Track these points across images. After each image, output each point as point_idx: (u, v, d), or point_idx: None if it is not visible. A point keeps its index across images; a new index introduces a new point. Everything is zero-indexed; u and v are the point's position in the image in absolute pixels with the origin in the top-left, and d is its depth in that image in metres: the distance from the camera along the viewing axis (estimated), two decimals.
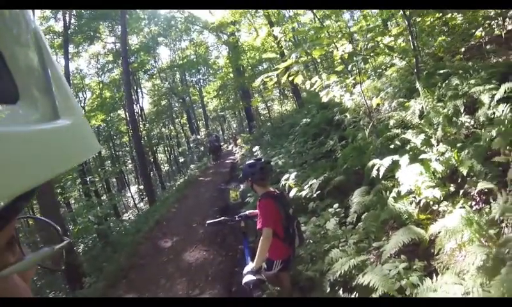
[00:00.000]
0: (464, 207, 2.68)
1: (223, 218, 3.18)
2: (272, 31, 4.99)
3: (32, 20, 0.38)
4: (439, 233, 2.60)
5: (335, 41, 4.30)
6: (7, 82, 0.30)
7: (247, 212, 3.19)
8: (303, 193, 4.69)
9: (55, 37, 17.10)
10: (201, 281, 4.65)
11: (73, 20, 16.50)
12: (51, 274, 7.99)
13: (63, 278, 7.17)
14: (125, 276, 5.43)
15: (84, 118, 0.41)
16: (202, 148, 15.37)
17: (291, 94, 18.84)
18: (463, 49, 5.41)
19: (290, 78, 4.22)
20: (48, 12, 15.97)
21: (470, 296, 1.97)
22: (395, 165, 3.52)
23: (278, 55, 12.69)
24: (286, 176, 5.24)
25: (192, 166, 17.87)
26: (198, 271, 4.98)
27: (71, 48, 17.62)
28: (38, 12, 14.13)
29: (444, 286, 2.16)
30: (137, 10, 19.61)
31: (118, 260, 6.27)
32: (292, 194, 4.63)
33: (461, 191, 3.04)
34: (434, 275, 2.38)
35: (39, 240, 6.77)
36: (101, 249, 8.15)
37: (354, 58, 4.39)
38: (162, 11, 23.11)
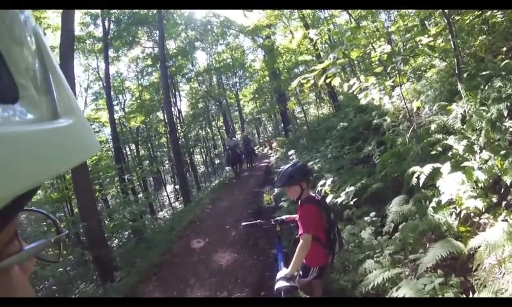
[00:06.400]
0: (506, 220, 2.47)
1: (258, 221, 3.13)
2: (308, 33, 4.91)
3: (33, 20, 0.37)
4: (479, 247, 2.40)
5: (372, 41, 4.13)
6: (7, 82, 0.29)
7: (284, 217, 3.10)
8: (339, 200, 4.51)
9: (95, 42, 18.12)
10: (230, 283, 4.64)
11: (112, 26, 17.38)
12: (83, 266, 8.40)
13: (95, 270, 7.45)
14: (156, 273, 5.55)
15: (84, 117, 0.41)
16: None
17: (327, 98, 18.52)
18: (504, 49, 5.01)
19: (328, 81, 4.11)
20: (88, 18, 16.97)
21: None
22: (436, 173, 3.30)
23: (314, 58, 12.52)
24: (322, 181, 5.09)
25: (227, 168, 18.03)
26: (228, 273, 4.99)
27: (111, 53, 18.65)
28: (78, 18, 14.82)
29: None
30: (174, 16, 20.32)
31: (150, 257, 6.42)
32: (328, 200, 4.48)
33: (504, 202, 2.81)
34: (470, 292, 2.21)
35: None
36: (134, 245, 8.35)
37: (393, 59, 4.18)
38: (198, 16, 23.69)
